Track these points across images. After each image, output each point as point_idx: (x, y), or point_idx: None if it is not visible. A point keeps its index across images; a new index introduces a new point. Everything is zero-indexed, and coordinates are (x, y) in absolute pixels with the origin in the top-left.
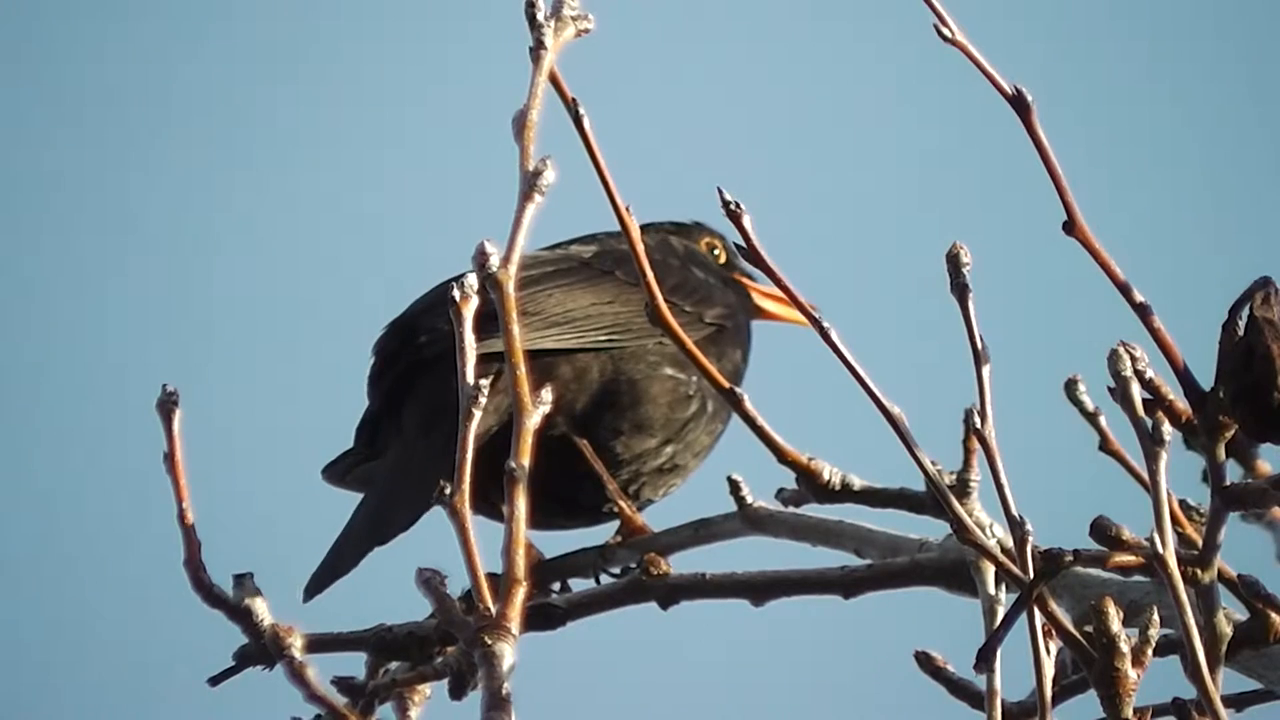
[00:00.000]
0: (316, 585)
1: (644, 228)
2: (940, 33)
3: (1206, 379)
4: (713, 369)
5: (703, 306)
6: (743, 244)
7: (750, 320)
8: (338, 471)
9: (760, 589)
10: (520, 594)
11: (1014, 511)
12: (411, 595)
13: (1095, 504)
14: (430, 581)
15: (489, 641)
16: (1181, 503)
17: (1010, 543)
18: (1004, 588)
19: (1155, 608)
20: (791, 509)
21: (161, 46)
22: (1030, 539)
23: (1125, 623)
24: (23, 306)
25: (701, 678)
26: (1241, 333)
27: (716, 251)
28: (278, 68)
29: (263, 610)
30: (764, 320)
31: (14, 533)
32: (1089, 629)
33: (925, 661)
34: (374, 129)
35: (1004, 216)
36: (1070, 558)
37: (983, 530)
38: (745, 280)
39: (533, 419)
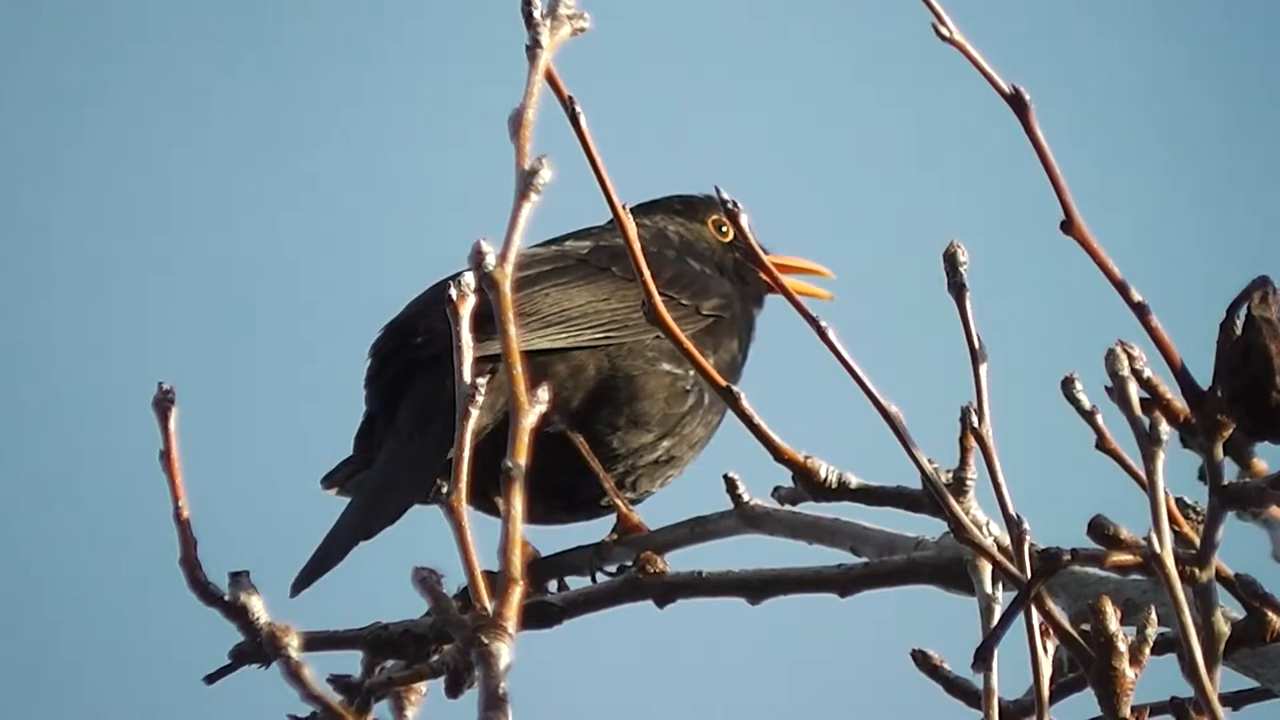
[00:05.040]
0: (304, 580)
1: (650, 205)
2: (938, 32)
3: (1204, 378)
4: (710, 369)
5: (699, 299)
6: (741, 244)
7: (755, 304)
8: (337, 480)
9: (757, 587)
10: (517, 593)
11: (1011, 510)
12: (408, 594)
13: (1093, 503)
14: (427, 580)
15: (485, 640)
16: (1179, 501)
17: (1007, 541)
18: (1001, 586)
19: (1153, 606)
20: (788, 507)
21: (160, 46)
22: (1028, 538)
23: (1123, 621)
24: (21, 304)
25: (698, 676)
26: (1239, 332)
27: (725, 229)
28: (274, 67)
29: (259, 608)
30: (774, 294)
31: (10, 531)
32: (1086, 627)
33: (922, 660)
34: (371, 128)
35: (1001, 215)
36: (1068, 556)
37: (980, 529)
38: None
39: (529, 418)
